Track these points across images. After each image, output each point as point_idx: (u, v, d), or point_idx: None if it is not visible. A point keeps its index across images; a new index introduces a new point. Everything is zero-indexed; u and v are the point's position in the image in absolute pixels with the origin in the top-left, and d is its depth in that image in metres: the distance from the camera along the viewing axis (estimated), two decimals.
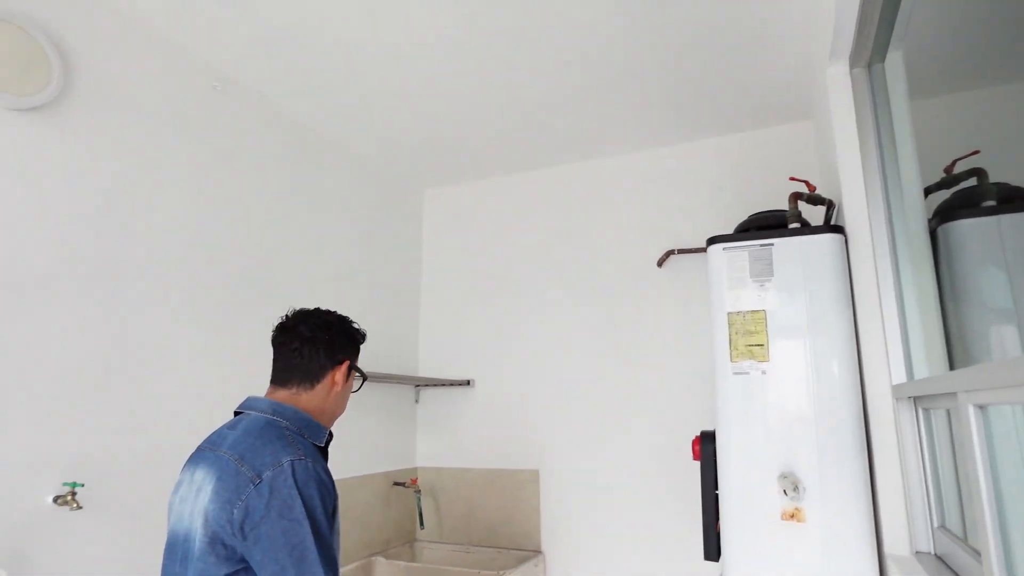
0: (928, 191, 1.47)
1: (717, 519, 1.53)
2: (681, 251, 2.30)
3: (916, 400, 1.27)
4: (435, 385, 2.65)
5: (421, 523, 2.51)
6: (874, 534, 1.31)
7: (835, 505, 1.32)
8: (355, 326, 1.28)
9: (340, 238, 2.39)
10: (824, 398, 1.38)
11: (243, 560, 1.01)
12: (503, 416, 2.55)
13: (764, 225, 1.63)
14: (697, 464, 1.65)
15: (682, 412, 2.22)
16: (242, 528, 0.99)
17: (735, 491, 1.45)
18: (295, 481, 1.02)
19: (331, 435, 1.21)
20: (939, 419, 1.24)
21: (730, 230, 1.77)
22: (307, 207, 2.24)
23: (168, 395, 1.67)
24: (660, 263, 2.35)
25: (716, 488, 1.53)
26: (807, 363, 1.41)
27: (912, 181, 1.38)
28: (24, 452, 1.35)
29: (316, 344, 1.20)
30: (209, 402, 1.77)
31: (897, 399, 1.31)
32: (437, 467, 2.62)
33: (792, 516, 1.36)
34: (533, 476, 2.43)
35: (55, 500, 1.38)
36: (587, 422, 2.39)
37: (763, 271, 1.50)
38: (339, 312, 1.28)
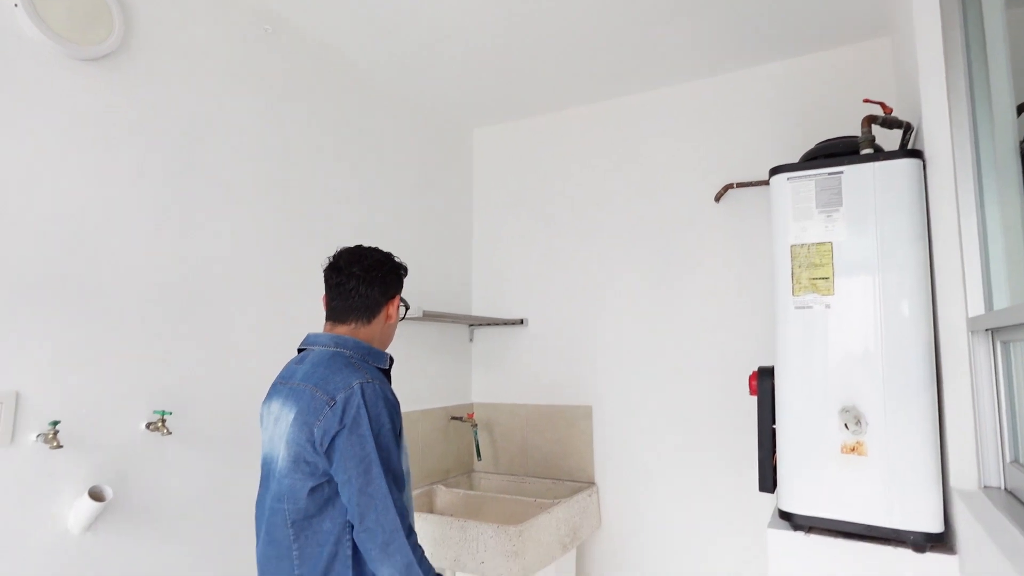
0: (1021, 109, 1.35)
1: (773, 453, 1.53)
2: (740, 185, 2.22)
3: (994, 333, 1.21)
4: (489, 324, 2.70)
5: (478, 455, 2.62)
6: (939, 468, 1.28)
7: (898, 439, 1.29)
8: (399, 261, 1.40)
9: (393, 178, 2.41)
10: (892, 332, 1.33)
11: (326, 474, 1.13)
12: (556, 354, 2.58)
13: (833, 153, 1.54)
14: (752, 400, 1.64)
15: (737, 349, 2.19)
16: (322, 444, 1.12)
17: (793, 425, 1.43)
18: (364, 401, 1.13)
19: (392, 359, 1.33)
20: (1019, 352, 1.17)
21: (794, 161, 1.68)
22: (360, 148, 2.26)
23: (239, 329, 1.76)
24: (718, 198, 2.27)
25: (773, 423, 1.53)
26: (875, 296, 1.35)
27: (1004, 99, 1.26)
28: (117, 384, 1.46)
29: (371, 283, 1.31)
30: (276, 335, 1.86)
31: (972, 332, 1.25)
32: (492, 403, 2.70)
33: (853, 449, 1.34)
34: (586, 412, 2.47)
35: (147, 427, 1.50)
36: (640, 359, 2.39)
37: (831, 201, 1.43)
38: (382, 249, 1.37)
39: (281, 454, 1.16)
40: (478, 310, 2.79)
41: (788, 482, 1.44)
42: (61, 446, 1.30)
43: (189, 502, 1.59)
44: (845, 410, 1.34)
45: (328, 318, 1.33)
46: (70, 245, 1.39)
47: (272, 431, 1.22)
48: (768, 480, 1.55)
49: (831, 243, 1.42)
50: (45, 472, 1.31)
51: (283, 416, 1.19)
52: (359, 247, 1.37)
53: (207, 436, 1.65)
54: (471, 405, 2.73)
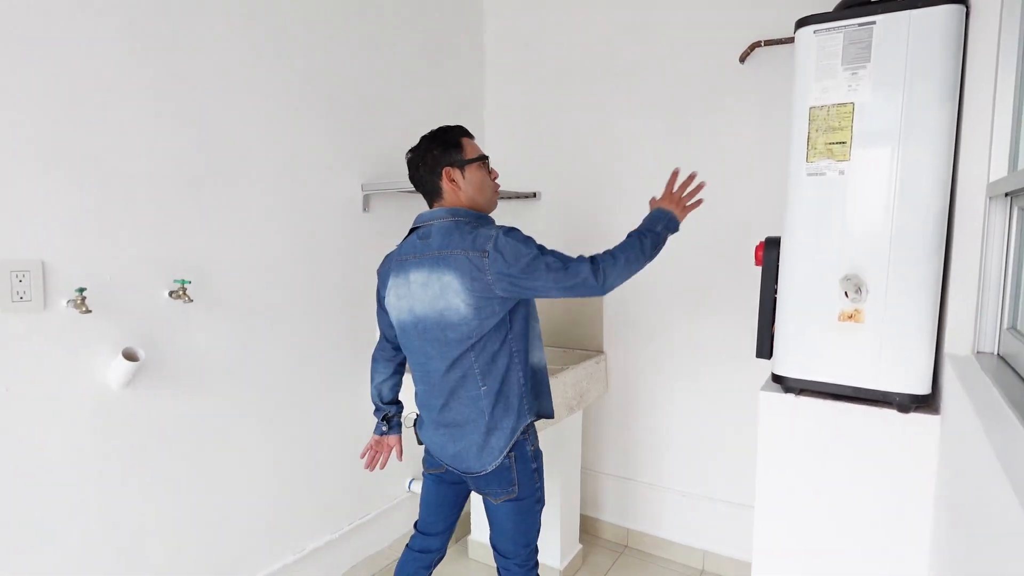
0: None
1: (773, 321, 1.55)
2: (768, 43, 2.04)
3: (1013, 197, 1.15)
4: (502, 198, 2.68)
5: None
6: (934, 334, 1.29)
7: (897, 306, 1.30)
8: (445, 129, 1.53)
9: (401, 50, 2.28)
10: (905, 200, 1.28)
11: (507, 305, 1.43)
12: (568, 229, 2.58)
13: (869, 1, 1.40)
14: (758, 271, 1.64)
15: (753, 222, 2.15)
16: (506, 280, 1.37)
17: (794, 293, 1.44)
18: (511, 237, 1.40)
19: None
20: None
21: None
22: (365, 20, 2.12)
23: (252, 202, 1.79)
24: (743, 58, 2.11)
25: (775, 292, 1.53)
26: (892, 162, 1.29)
27: None
28: (137, 254, 1.53)
29: (417, 167, 1.50)
30: (287, 207, 1.89)
31: (991, 197, 1.20)
32: None
33: (850, 317, 1.35)
34: None
35: (170, 294, 1.58)
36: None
37: (858, 56, 1.32)
38: (438, 128, 1.53)
39: (451, 310, 1.40)
40: None
41: (783, 347, 1.47)
42: (90, 311, 1.39)
43: (215, 362, 1.72)
44: (847, 278, 1.33)
45: (427, 200, 1.55)
46: (78, 116, 1.39)
47: (421, 295, 1.45)
48: (766, 346, 1.59)
49: (853, 104, 1.33)
50: (79, 335, 1.42)
51: (434, 281, 1.42)
52: (420, 139, 1.52)
53: (227, 304, 1.74)
54: None
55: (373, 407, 1.71)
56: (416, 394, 1.58)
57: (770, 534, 1.49)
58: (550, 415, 1.63)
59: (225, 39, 1.70)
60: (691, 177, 1.68)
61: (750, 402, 2.18)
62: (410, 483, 2.40)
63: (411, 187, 2.15)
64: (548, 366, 2.38)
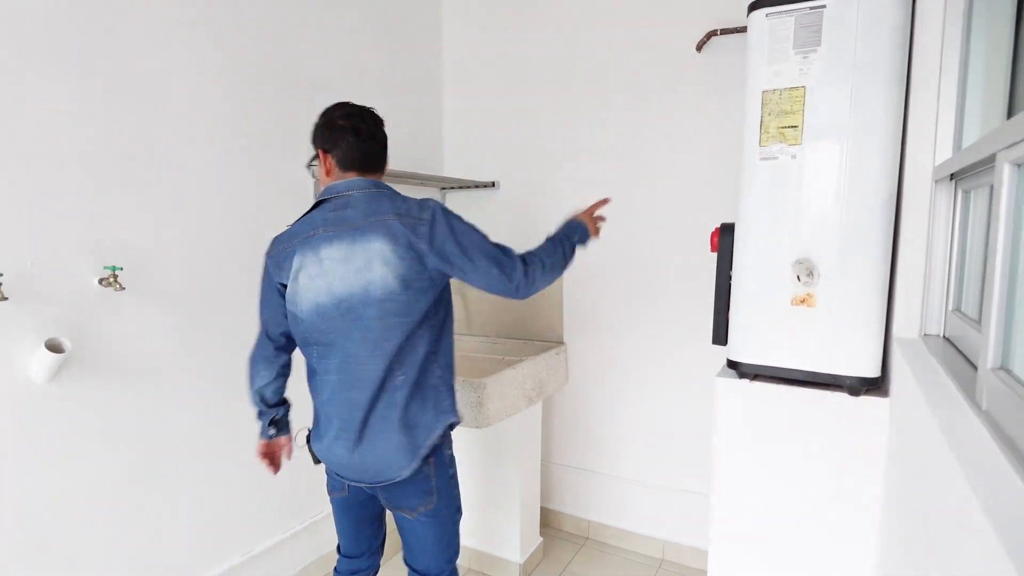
0: None
1: (729, 307, 1.55)
2: (724, 31, 2.05)
3: (958, 180, 1.17)
4: (460, 187, 2.63)
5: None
6: (883, 318, 1.30)
7: (847, 290, 1.30)
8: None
9: (356, 34, 2.21)
10: (856, 183, 1.28)
11: (436, 287, 1.36)
12: (527, 217, 2.54)
13: None
14: (715, 258, 1.63)
15: (708, 210, 2.16)
16: (439, 254, 1.31)
17: (748, 279, 1.44)
18: (453, 214, 1.39)
19: None
20: (978, 200, 1.14)
21: None
22: (320, 1, 2.05)
23: (193, 186, 1.70)
24: (700, 47, 2.11)
25: (731, 278, 1.53)
26: (843, 145, 1.29)
27: None
28: (62, 238, 1.42)
29: (371, 140, 1.41)
30: (228, 192, 1.80)
31: (937, 180, 1.21)
32: None
33: (803, 301, 1.35)
34: None
35: (100, 282, 1.49)
36: (611, 223, 2.36)
37: (809, 40, 1.32)
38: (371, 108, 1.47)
39: (377, 283, 1.29)
40: (450, 172, 2.70)
41: (738, 333, 1.47)
42: (7, 298, 1.29)
43: (152, 355, 1.63)
44: (799, 262, 1.33)
45: (351, 167, 1.40)
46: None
47: (341, 271, 1.31)
48: (721, 332, 1.58)
49: (804, 88, 1.33)
50: None
51: (358, 252, 1.30)
52: (350, 103, 1.45)
53: (163, 292, 1.64)
54: None
55: (256, 411, 1.52)
56: (320, 398, 1.40)
57: (726, 520, 1.48)
58: (460, 420, 1.46)
59: (167, 11, 1.60)
60: (605, 201, 1.74)
61: (708, 389, 2.19)
62: None
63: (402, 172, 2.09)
64: (506, 357, 2.36)
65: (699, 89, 2.15)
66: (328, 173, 1.41)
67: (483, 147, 2.62)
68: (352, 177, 1.40)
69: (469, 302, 2.71)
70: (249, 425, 1.90)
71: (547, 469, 2.58)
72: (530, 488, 2.29)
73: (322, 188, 1.42)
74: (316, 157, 1.43)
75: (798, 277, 1.33)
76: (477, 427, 1.92)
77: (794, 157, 1.35)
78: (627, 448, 2.42)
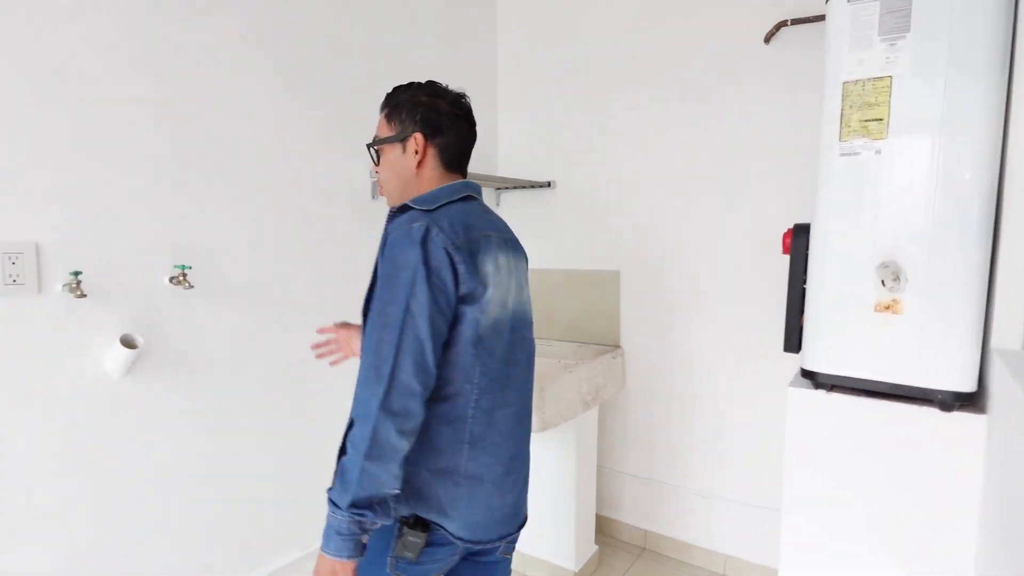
0: None
1: (801, 313, 1.46)
2: (796, 21, 1.94)
3: None
4: (515, 187, 2.61)
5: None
6: (980, 327, 1.19)
7: (938, 296, 1.19)
8: None
9: (412, 38, 2.22)
10: (951, 178, 1.18)
11: None
12: (584, 218, 2.50)
13: None
14: (785, 260, 1.55)
15: (777, 210, 2.05)
16: None
17: (825, 283, 1.35)
18: None
19: None
20: None
21: None
22: (376, 6, 2.06)
23: (256, 189, 1.74)
24: (768, 39, 2.00)
25: (804, 282, 1.44)
26: (935, 138, 1.18)
27: None
28: (136, 238, 1.48)
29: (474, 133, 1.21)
30: (288, 194, 1.83)
31: None
32: None
33: (887, 308, 1.25)
34: (614, 277, 2.42)
35: (170, 280, 1.54)
36: (671, 223, 2.29)
37: (896, 26, 1.22)
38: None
39: (529, 303, 1.19)
40: (505, 172, 2.68)
41: (814, 341, 1.38)
42: (85, 295, 1.35)
43: (216, 350, 1.67)
44: (884, 265, 1.23)
45: (456, 165, 1.16)
46: (73, 96, 1.34)
47: (508, 283, 1.09)
48: (794, 340, 1.50)
49: (890, 77, 1.23)
50: (75, 320, 1.38)
51: (514, 267, 1.14)
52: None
53: (228, 290, 1.69)
54: None
55: (355, 522, 0.97)
56: (486, 442, 1.06)
57: (798, 540, 1.39)
58: None
59: (230, 21, 1.65)
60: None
61: (777, 399, 2.08)
62: None
63: None
64: (562, 360, 2.32)
65: (768, 83, 2.04)
66: (420, 164, 1.11)
67: (538, 146, 2.59)
68: (458, 178, 1.16)
69: None
70: (307, 422, 1.94)
71: (602, 475, 2.52)
72: (586, 494, 2.24)
73: (405, 183, 1.12)
74: (394, 140, 1.11)
75: (883, 282, 1.23)
76: (533, 431, 1.88)
77: (878, 152, 1.25)
78: (688, 457, 2.33)
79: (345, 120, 1.99)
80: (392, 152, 1.13)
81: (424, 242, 0.98)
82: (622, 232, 2.41)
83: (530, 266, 2.57)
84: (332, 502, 0.98)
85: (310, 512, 1.98)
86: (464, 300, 1.00)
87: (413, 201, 1.07)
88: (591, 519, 2.30)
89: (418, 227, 0.99)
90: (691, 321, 2.28)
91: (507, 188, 2.65)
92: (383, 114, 1.15)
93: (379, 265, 1.04)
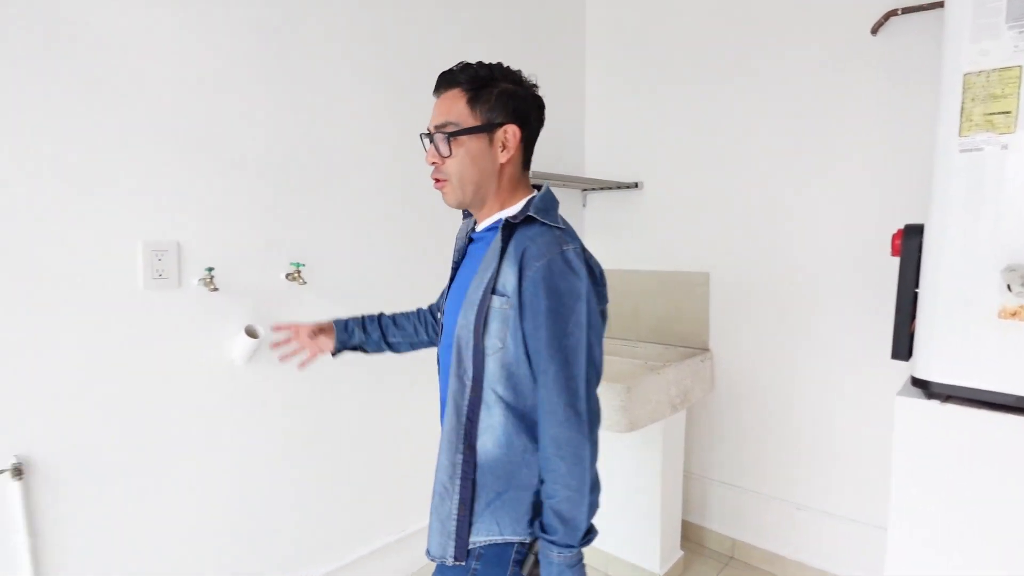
0: None
1: (912, 318, 1.38)
2: (907, 10, 1.83)
3: None
4: (602, 188, 2.61)
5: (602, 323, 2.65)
6: None
7: None
8: None
9: (501, 40, 2.28)
10: None
11: None
12: (672, 219, 2.46)
13: None
14: (892, 262, 1.47)
15: (882, 210, 1.94)
16: None
17: (940, 287, 1.27)
18: None
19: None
20: None
21: None
22: (465, 10, 2.14)
23: (358, 193, 1.85)
24: (875, 30, 1.90)
25: (916, 286, 1.36)
26: None
27: None
28: (258, 238, 1.62)
29: None
30: (389, 199, 1.94)
31: None
32: (605, 268, 2.67)
33: (1014, 314, 1.17)
34: (703, 279, 2.38)
35: (286, 276, 1.67)
36: (766, 223, 2.21)
37: None
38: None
39: None
40: (591, 173, 2.70)
41: (927, 348, 1.30)
42: (217, 289, 1.50)
43: None
44: (1011, 269, 1.15)
45: (527, 167, 1.08)
46: (207, 110, 1.50)
47: None
48: (903, 346, 1.42)
49: (1020, 68, 1.14)
50: (207, 311, 1.53)
51: None
52: None
53: (336, 287, 1.81)
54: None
55: (589, 540, 0.99)
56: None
57: (904, 561, 1.32)
58: None
59: (339, 37, 1.77)
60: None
61: (883, 408, 1.97)
62: None
63: (545, 174, 2.14)
64: (648, 362, 2.30)
65: (875, 76, 1.94)
66: (507, 161, 1.01)
67: (626, 147, 2.59)
68: (528, 179, 1.08)
69: (609, 303, 2.68)
70: (406, 416, 2.04)
71: (689, 480, 2.48)
72: (672, 498, 2.22)
73: (485, 181, 1.01)
74: (481, 131, 0.98)
75: (1009, 286, 1.15)
76: (619, 431, 1.89)
77: (1005, 147, 1.17)
78: (781, 466, 2.25)
79: None
80: (475, 144, 0.99)
81: (584, 268, 0.96)
82: (713, 233, 2.36)
83: (616, 267, 2.59)
84: (564, 545, 0.94)
85: (406, 494, 2.08)
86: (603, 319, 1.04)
87: (538, 213, 0.98)
88: (676, 523, 2.27)
89: (573, 252, 0.95)
90: (786, 325, 2.20)
91: (593, 189, 2.66)
92: (464, 97, 0.98)
93: (527, 292, 0.93)
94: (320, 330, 1.29)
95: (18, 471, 1.25)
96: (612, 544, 2.26)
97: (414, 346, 1.36)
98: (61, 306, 1.30)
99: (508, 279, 0.95)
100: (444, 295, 1.20)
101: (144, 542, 1.47)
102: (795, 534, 2.22)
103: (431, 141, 1.02)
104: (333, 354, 1.31)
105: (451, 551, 0.97)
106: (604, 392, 1.87)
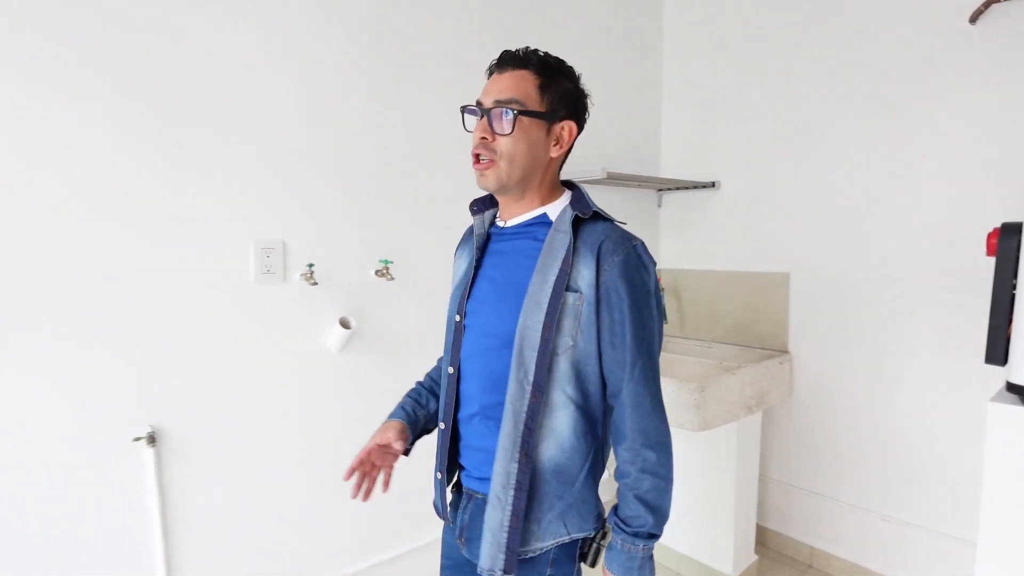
0: None
1: (1009, 321, 1.32)
2: None
3: None
4: (678, 188, 2.61)
5: (664, 318, 2.66)
6: None
7: None
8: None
9: (575, 34, 2.33)
10: None
11: None
12: (750, 219, 2.43)
13: None
14: (987, 262, 1.41)
15: (974, 208, 1.84)
16: None
17: None
18: None
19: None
20: None
21: None
22: (543, 7, 2.21)
23: (439, 195, 1.96)
24: (974, 18, 1.81)
25: (1013, 287, 1.30)
26: None
27: None
28: (350, 236, 1.76)
29: None
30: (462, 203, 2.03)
31: None
32: (680, 268, 2.68)
33: None
34: (783, 279, 2.33)
35: (376, 273, 1.81)
36: (851, 222, 2.14)
37: None
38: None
39: None
40: (667, 173, 2.70)
41: None
42: (316, 283, 1.65)
43: (410, 333, 1.92)
44: None
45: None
46: (308, 119, 1.65)
47: None
48: (999, 350, 1.36)
49: None
50: (308, 304, 1.68)
51: None
52: None
53: (421, 283, 1.93)
54: (658, 270, 2.74)
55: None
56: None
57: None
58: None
59: (425, 37, 1.88)
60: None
61: (975, 415, 1.87)
62: None
63: (586, 176, 2.19)
64: (723, 363, 2.28)
65: (972, 68, 1.84)
66: (556, 158, 1.02)
67: (702, 147, 2.57)
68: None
69: (684, 303, 2.67)
70: None
71: (765, 485, 2.43)
72: (746, 501, 2.19)
73: (532, 172, 0.99)
74: (544, 118, 0.97)
75: None
76: (692, 430, 1.90)
77: None
78: (865, 474, 2.17)
79: None
80: (535, 129, 0.97)
81: (652, 263, 0.99)
82: (794, 232, 2.31)
83: (691, 267, 2.58)
84: (647, 536, 0.95)
85: None
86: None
87: (599, 210, 1.00)
88: (751, 527, 2.24)
89: (642, 247, 0.98)
90: (871, 327, 2.12)
91: (669, 189, 2.66)
92: (536, 81, 0.97)
93: (608, 287, 0.94)
94: (381, 446, 1.12)
95: (152, 439, 1.44)
96: (685, 544, 2.26)
97: None
98: (188, 296, 1.49)
99: (583, 275, 0.94)
100: (461, 296, 1.07)
101: (250, 504, 1.64)
102: (878, 545, 2.14)
103: (482, 115, 0.97)
104: (406, 453, 1.16)
105: (500, 564, 0.95)
106: (677, 390, 1.89)
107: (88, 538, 1.39)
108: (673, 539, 2.31)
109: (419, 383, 1.25)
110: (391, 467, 1.15)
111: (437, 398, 1.20)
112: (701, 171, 2.57)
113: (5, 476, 1.28)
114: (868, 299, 2.12)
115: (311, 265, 1.65)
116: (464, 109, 1.01)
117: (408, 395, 1.22)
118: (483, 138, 0.96)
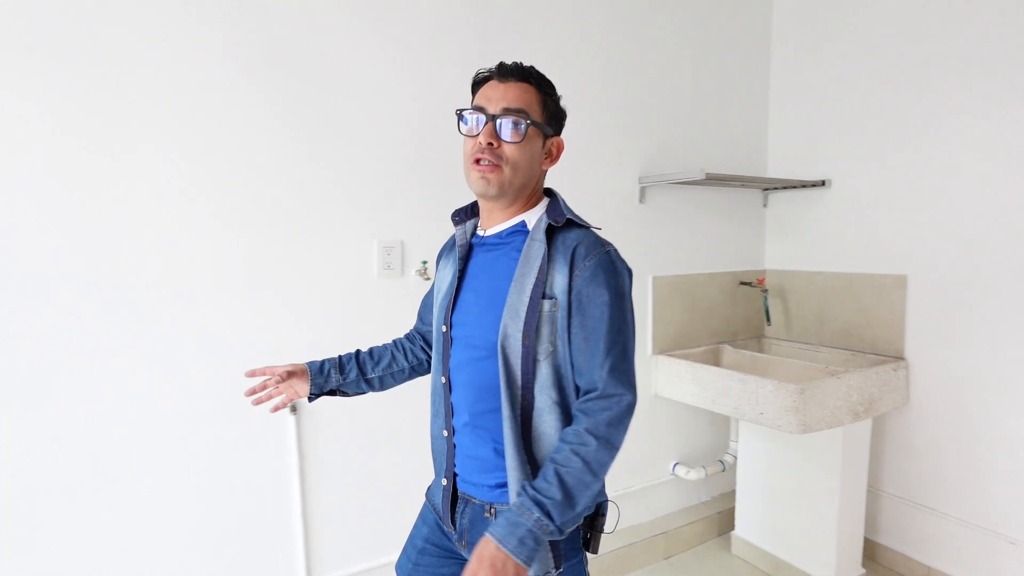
0: None
1: None
2: None
3: None
4: (785, 188, 2.55)
5: (768, 320, 2.61)
6: None
7: None
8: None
9: (681, 36, 2.36)
10: None
11: None
12: (863, 218, 2.32)
13: None
14: None
15: None
16: None
17: None
18: None
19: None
20: None
21: None
22: (649, 12, 2.27)
23: None
24: None
25: None
26: None
27: None
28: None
29: None
30: (570, 198, 2.14)
31: None
32: (786, 270, 2.61)
33: None
34: (899, 281, 2.21)
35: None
36: (977, 223, 2.00)
37: None
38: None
39: None
40: (774, 171, 2.64)
41: None
42: (429, 278, 1.84)
43: None
44: None
45: None
46: (424, 131, 1.85)
47: None
48: None
49: None
50: (421, 296, 1.87)
51: None
52: None
53: None
54: (763, 271, 2.68)
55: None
56: None
57: None
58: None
59: (532, 43, 2.02)
60: None
61: None
62: (674, 466, 2.47)
63: (685, 177, 2.22)
64: (829, 367, 2.21)
65: None
66: (543, 173, 1.08)
67: (812, 145, 2.49)
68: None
69: (790, 305, 2.60)
70: None
71: (877, 497, 2.32)
72: (852, 512, 2.11)
73: (529, 180, 1.04)
74: (544, 130, 1.03)
75: None
76: (790, 432, 1.88)
77: None
78: (986, 491, 2.02)
79: (619, 128, 2.23)
80: (536, 141, 1.02)
81: (625, 267, 1.02)
82: (911, 233, 2.19)
83: (798, 268, 2.52)
84: (545, 514, 0.90)
85: None
86: None
87: (573, 216, 1.03)
88: (857, 539, 2.15)
89: (615, 252, 1.01)
90: (998, 335, 1.96)
91: (776, 189, 2.60)
92: (538, 96, 1.02)
93: (580, 290, 0.97)
94: (291, 373, 1.19)
95: (293, 408, 1.70)
96: (784, 549, 2.23)
97: (395, 377, 1.31)
98: (321, 289, 1.73)
99: (557, 281, 0.97)
100: (447, 308, 1.08)
101: (371, 463, 1.86)
102: (1004, 570, 1.98)
103: (487, 121, 0.99)
104: (310, 399, 1.23)
105: (551, 563, 0.97)
106: (775, 392, 1.89)
107: (243, 488, 1.67)
108: (771, 542, 2.27)
109: (360, 349, 1.30)
110: (290, 400, 1.22)
111: (361, 369, 1.26)
112: (810, 170, 2.49)
113: (193, 439, 1.59)
114: (996, 305, 1.97)
115: (424, 262, 1.84)
116: (462, 112, 1.03)
117: (343, 354, 1.28)
118: (489, 143, 0.98)
